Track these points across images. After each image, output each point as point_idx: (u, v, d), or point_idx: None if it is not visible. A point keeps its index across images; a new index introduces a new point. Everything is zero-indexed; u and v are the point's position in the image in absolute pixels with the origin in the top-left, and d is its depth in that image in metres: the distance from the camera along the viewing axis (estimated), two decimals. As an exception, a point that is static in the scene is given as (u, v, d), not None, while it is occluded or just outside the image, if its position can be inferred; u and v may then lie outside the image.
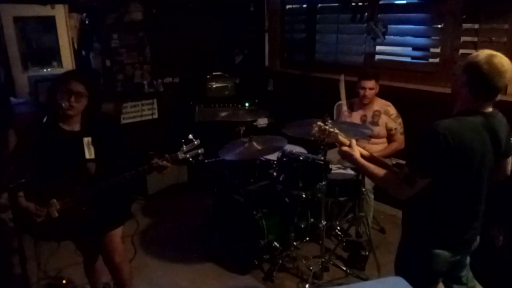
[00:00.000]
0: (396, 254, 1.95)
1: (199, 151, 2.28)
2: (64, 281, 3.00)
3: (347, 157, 1.95)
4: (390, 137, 3.45)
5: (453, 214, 1.76)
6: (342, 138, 2.01)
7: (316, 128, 2.08)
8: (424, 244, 1.80)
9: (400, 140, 3.42)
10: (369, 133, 2.96)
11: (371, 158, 1.96)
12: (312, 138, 2.17)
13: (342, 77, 3.41)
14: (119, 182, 2.19)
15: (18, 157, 2.18)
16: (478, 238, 1.88)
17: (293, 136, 2.92)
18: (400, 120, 3.43)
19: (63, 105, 2.10)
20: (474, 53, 1.73)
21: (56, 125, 2.20)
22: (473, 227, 1.82)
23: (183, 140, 2.26)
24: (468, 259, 1.94)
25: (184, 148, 2.24)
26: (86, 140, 2.21)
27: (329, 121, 2.38)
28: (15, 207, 2.08)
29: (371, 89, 3.37)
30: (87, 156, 2.21)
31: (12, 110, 3.05)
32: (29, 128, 2.22)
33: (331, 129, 2.04)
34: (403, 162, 2.00)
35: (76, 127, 2.24)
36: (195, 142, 2.26)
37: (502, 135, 1.74)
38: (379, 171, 1.81)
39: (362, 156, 1.94)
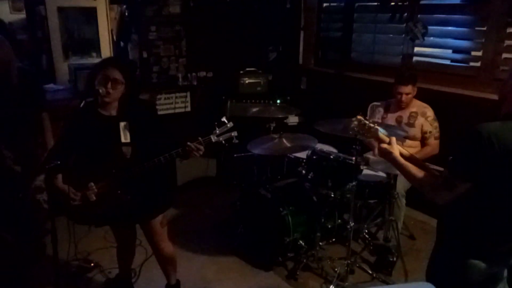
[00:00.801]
0: (429, 261, 1.88)
1: (233, 133, 2.25)
2: (92, 264, 3.09)
3: (386, 155, 1.87)
4: (423, 140, 3.36)
5: (492, 223, 1.67)
6: (382, 135, 1.92)
7: (356, 122, 1.99)
8: (459, 253, 1.72)
9: (434, 145, 3.33)
10: (404, 135, 2.88)
11: (410, 158, 1.87)
12: (350, 133, 2.08)
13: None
14: (153, 165, 2.19)
15: (57, 141, 2.24)
16: None
17: (324, 135, 2.89)
18: (436, 124, 3.33)
19: (100, 91, 2.14)
20: None
21: (95, 110, 2.25)
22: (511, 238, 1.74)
23: (216, 123, 2.24)
24: (505, 272, 1.86)
25: (217, 131, 2.22)
26: (122, 124, 2.24)
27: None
28: (51, 189, 2.15)
29: (407, 94, 3.29)
30: (123, 140, 2.23)
31: (45, 95, 3.14)
32: (69, 113, 2.27)
33: (372, 124, 1.97)
34: (439, 168, 1.92)
35: (113, 112, 2.28)
36: (228, 125, 2.23)
37: None
38: (418, 172, 1.73)
39: (401, 155, 1.86)
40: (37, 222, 3.15)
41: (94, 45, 4.20)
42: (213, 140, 2.22)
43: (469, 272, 1.70)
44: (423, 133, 3.33)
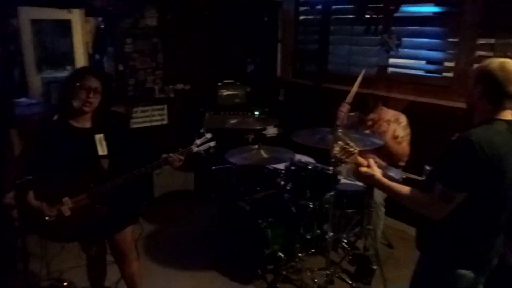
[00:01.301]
0: (414, 272, 1.85)
1: (211, 144, 2.34)
2: (65, 284, 2.98)
3: (367, 178, 1.83)
4: (396, 142, 3.36)
5: (481, 230, 1.67)
6: (360, 158, 1.91)
7: (337, 148, 2.00)
8: (448, 264, 1.71)
9: (405, 148, 3.29)
10: (381, 144, 2.89)
11: (393, 179, 1.85)
12: (332, 160, 2.09)
13: (362, 72, 3.36)
14: (134, 176, 2.20)
15: (25, 156, 2.18)
16: (497, 256, 1.80)
17: (302, 145, 2.89)
18: (408, 130, 3.35)
19: (76, 103, 2.11)
20: (483, 62, 1.68)
21: (67, 122, 2.20)
22: (496, 244, 1.73)
23: (195, 134, 2.35)
24: (483, 279, 1.86)
25: (197, 142, 2.31)
26: (98, 137, 2.21)
27: (341, 130, 2.34)
28: (21, 205, 2.08)
29: (374, 118, 3.34)
30: (100, 152, 2.20)
31: (14, 110, 3.07)
32: (39, 126, 2.22)
33: (352, 148, 1.96)
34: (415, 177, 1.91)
35: (87, 124, 2.24)
36: (207, 136, 2.34)
37: None
38: (408, 191, 1.69)
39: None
40: (8, 240, 3.04)
41: (68, 58, 4.12)
42: (194, 151, 2.30)
43: (459, 283, 1.69)
44: (395, 137, 3.34)
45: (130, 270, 2.54)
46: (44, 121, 2.20)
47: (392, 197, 1.81)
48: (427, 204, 1.64)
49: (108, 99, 2.27)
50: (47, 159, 2.16)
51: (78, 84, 2.13)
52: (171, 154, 2.23)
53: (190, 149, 2.28)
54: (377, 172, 1.82)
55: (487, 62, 1.66)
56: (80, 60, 4.05)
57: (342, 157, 1.96)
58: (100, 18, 4.16)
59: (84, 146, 2.19)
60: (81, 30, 4.06)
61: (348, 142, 1.99)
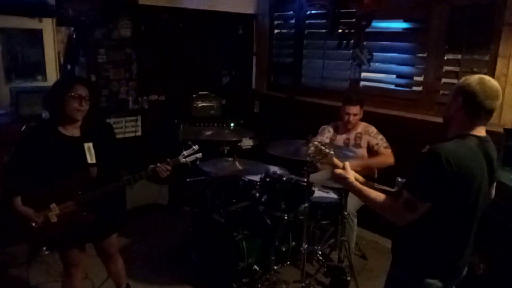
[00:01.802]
0: (386, 281, 1.89)
1: (198, 155, 2.41)
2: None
3: (341, 180, 1.89)
4: (375, 153, 3.44)
5: (449, 241, 1.71)
6: (336, 160, 1.97)
7: (313, 148, 2.05)
8: (416, 273, 1.75)
9: (386, 153, 3.39)
10: (352, 156, 2.96)
11: (364, 184, 1.91)
12: (307, 159, 2.15)
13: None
14: (122, 185, 2.27)
15: (9, 165, 2.26)
16: (467, 266, 1.85)
17: (276, 157, 2.90)
18: (381, 136, 3.45)
19: (70, 110, 2.17)
20: (464, 77, 1.74)
21: (56, 131, 2.24)
22: (465, 254, 1.78)
23: (183, 146, 2.46)
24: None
25: (185, 153, 2.38)
26: (87, 145, 2.27)
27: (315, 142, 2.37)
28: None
29: (355, 115, 3.40)
30: (89, 161, 2.26)
31: None
32: (27, 134, 2.32)
33: (327, 150, 2.01)
34: (387, 188, 1.96)
35: (76, 133, 2.29)
36: (194, 147, 2.41)
37: (495, 161, 1.73)
38: (376, 195, 1.75)
39: (356, 180, 1.89)
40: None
41: (39, 68, 4.03)
42: (181, 161, 2.37)
43: None
44: (371, 147, 3.43)
45: (116, 267, 2.64)
46: (31, 129, 2.29)
47: (362, 200, 1.86)
48: (392, 210, 1.70)
49: (95, 107, 2.32)
50: (36, 166, 2.21)
51: (69, 93, 2.18)
52: (159, 164, 2.28)
53: (177, 160, 2.35)
54: (351, 175, 1.88)
55: (466, 77, 1.72)
56: (52, 70, 3.96)
57: (317, 157, 2.02)
58: (72, 28, 4.09)
59: (73, 154, 2.23)
60: (52, 40, 3.98)
61: (324, 144, 2.03)
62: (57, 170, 2.20)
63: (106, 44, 4.09)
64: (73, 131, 2.28)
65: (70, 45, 4.22)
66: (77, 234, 2.29)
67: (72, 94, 2.18)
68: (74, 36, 4.12)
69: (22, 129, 2.14)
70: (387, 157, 3.39)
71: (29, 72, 3.98)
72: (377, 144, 3.42)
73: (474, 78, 1.68)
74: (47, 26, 3.92)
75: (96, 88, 3.96)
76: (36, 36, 3.93)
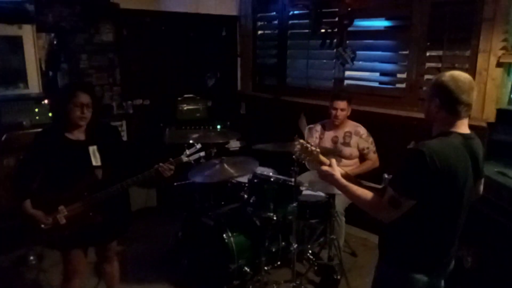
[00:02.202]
0: (373, 277, 1.90)
1: (201, 154, 2.46)
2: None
3: (327, 177, 1.90)
4: (363, 157, 3.50)
5: (434, 237, 1.73)
6: (322, 157, 1.97)
7: (299, 146, 2.04)
8: (402, 268, 1.77)
9: (374, 159, 3.49)
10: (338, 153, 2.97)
11: (351, 180, 1.92)
12: (293, 157, 2.14)
13: (302, 116, 3.48)
14: (126, 186, 2.31)
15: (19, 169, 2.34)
16: (453, 260, 1.87)
17: (264, 157, 2.91)
18: (371, 139, 3.48)
19: (75, 116, 2.25)
20: (436, 75, 1.76)
21: (62, 135, 2.31)
22: (451, 250, 1.80)
23: (185, 145, 2.49)
24: (442, 283, 1.93)
25: (187, 152, 2.43)
26: (92, 148, 2.33)
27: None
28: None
29: (342, 110, 3.43)
30: (94, 163, 2.32)
31: None
32: (35, 140, 2.33)
33: (313, 148, 2.01)
34: (377, 186, 1.98)
35: (81, 136, 2.35)
36: (197, 146, 2.45)
37: (480, 157, 1.76)
38: (362, 192, 1.77)
39: (342, 176, 1.90)
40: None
41: (20, 76, 3.96)
42: (184, 160, 2.41)
43: (412, 286, 1.74)
44: (361, 150, 3.47)
45: (111, 268, 2.67)
46: (39, 135, 2.34)
47: (347, 197, 1.88)
48: (377, 207, 1.72)
49: (98, 112, 2.38)
50: (44, 169, 2.30)
51: (72, 101, 2.26)
52: (161, 164, 2.32)
53: (180, 159, 2.39)
54: (337, 172, 1.89)
55: (438, 75, 1.74)
56: (33, 77, 3.90)
57: (303, 155, 2.02)
58: (53, 34, 4.04)
59: (79, 157, 2.30)
60: (33, 46, 3.92)
61: (309, 142, 2.04)
62: (64, 173, 2.28)
63: (88, 49, 4.04)
64: (79, 135, 2.35)
65: (51, 51, 4.16)
66: (84, 236, 2.33)
67: (75, 101, 2.25)
68: (55, 42, 4.06)
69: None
70: (374, 162, 3.49)
71: (10, 79, 3.91)
72: (367, 148, 3.46)
73: (445, 76, 1.69)
74: (27, 33, 3.86)
75: (98, 93, 4.03)
76: (16, 43, 3.86)
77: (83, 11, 3.92)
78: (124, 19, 4.18)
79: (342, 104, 3.42)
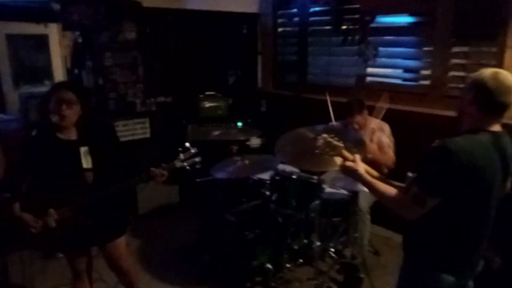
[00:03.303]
0: (398, 277, 1.88)
1: (196, 159, 2.28)
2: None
3: (350, 172, 1.88)
4: (380, 150, 3.42)
5: (461, 236, 1.70)
6: (346, 152, 1.95)
7: (322, 141, 2.02)
8: (428, 268, 1.74)
9: (390, 155, 3.36)
10: (360, 138, 2.91)
11: (376, 178, 1.89)
12: (316, 151, 2.11)
13: (327, 96, 3.41)
14: (116, 190, 2.20)
15: (7, 171, 2.19)
16: (482, 261, 1.84)
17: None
18: (392, 139, 3.43)
19: (54, 118, 2.10)
20: (478, 71, 1.70)
21: (53, 135, 2.19)
22: (479, 250, 1.77)
23: (180, 149, 2.26)
24: (471, 284, 1.89)
25: (182, 157, 2.25)
26: (83, 149, 2.21)
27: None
28: (5, 218, 2.09)
29: (358, 122, 3.39)
30: (84, 165, 2.20)
31: None
32: (24, 140, 2.22)
33: (337, 143, 1.99)
34: (397, 183, 1.95)
35: (73, 136, 2.24)
36: (192, 151, 2.27)
37: (509, 155, 1.71)
38: (386, 189, 1.74)
39: (367, 172, 1.88)
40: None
41: (46, 73, 4.06)
42: (177, 166, 2.24)
43: (439, 286, 1.72)
44: (379, 142, 3.40)
45: (127, 280, 2.55)
46: (27, 136, 2.20)
47: (371, 193, 1.85)
48: (401, 204, 1.69)
49: (88, 111, 2.25)
50: (33, 172, 2.18)
51: (53, 98, 2.14)
52: (152, 169, 2.20)
53: (173, 164, 2.24)
54: (361, 168, 1.86)
55: (480, 71, 1.69)
56: (58, 74, 4.00)
57: (326, 149, 1.99)
58: (78, 33, 4.12)
59: (68, 159, 2.19)
60: (58, 44, 4.01)
61: (333, 136, 2.00)
62: (54, 175, 2.17)
63: (112, 47, 4.10)
64: (70, 135, 2.23)
65: (76, 49, 4.24)
66: (78, 238, 2.25)
67: (54, 98, 2.13)
68: (80, 40, 4.14)
69: (33, 133, 2.12)
70: (390, 158, 3.35)
71: (37, 77, 4.02)
72: (387, 143, 3.39)
73: (488, 73, 1.64)
74: (53, 31, 3.95)
75: (87, 91, 3.91)
76: (42, 42, 3.97)
77: (107, 10, 3.97)
78: (146, 18, 4.23)
79: (357, 118, 3.36)
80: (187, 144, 2.28)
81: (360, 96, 3.56)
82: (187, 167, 2.27)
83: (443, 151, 1.58)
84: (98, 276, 2.63)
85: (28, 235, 2.14)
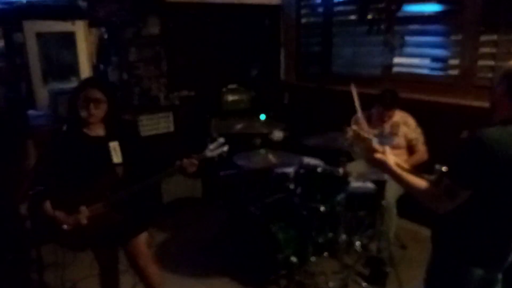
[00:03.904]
0: (426, 270, 1.85)
1: (224, 148, 2.33)
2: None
3: (380, 164, 1.84)
4: (411, 148, 3.36)
5: (492, 230, 1.66)
6: (376, 145, 1.91)
7: (351, 133, 2.00)
8: (458, 261, 1.71)
9: (422, 150, 3.33)
10: (394, 143, 2.88)
11: (405, 170, 1.84)
12: (344, 144, 2.09)
13: (353, 87, 3.35)
14: (149, 184, 2.21)
15: (38, 167, 2.19)
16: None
17: (310, 148, 2.89)
18: (419, 130, 3.35)
19: (83, 114, 2.13)
20: (509, 61, 1.66)
21: (80, 132, 2.22)
22: (510, 243, 1.72)
23: (208, 139, 2.34)
24: (500, 275, 1.85)
25: (210, 147, 2.30)
26: (112, 144, 2.23)
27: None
28: (38, 215, 2.10)
29: (392, 113, 3.33)
30: (115, 160, 2.22)
31: (29, 122, 3.14)
32: (52, 137, 2.23)
33: (366, 135, 1.97)
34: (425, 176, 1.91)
35: (101, 132, 2.26)
36: (221, 140, 2.33)
37: None
38: (416, 181, 1.70)
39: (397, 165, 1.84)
40: (22, 251, 3.05)
41: (73, 70, 4.14)
42: (208, 156, 2.29)
43: (467, 279, 1.69)
44: (409, 141, 3.35)
45: (148, 278, 2.51)
46: (56, 132, 2.21)
47: (401, 186, 1.82)
48: (432, 197, 1.65)
49: (115, 108, 2.28)
50: (63, 168, 2.19)
51: (80, 97, 2.16)
52: (184, 160, 2.22)
53: (203, 154, 2.28)
54: (390, 160, 1.82)
55: None
56: (85, 71, 4.07)
57: (355, 141, 1.96)
58: (104, 29, 4.18)
59: (98, 154, 2.20)
60: (85, 41, 4.08)
61: (363, 128, 1.98)
62: (84, 172, 2.18)
63: (136, 43, 4.15)
64: (98, 131, 2.25)
65: (102, 45, 4.31)
66: (108, 235, 2.26)
67: (83, 96, 2.14)
68: (106, 37, 4.21)
69: (64, 128, 2.14)
70: (423, 153, 3.33)
71: (64, 74, 4.11)
72: (416, 139, 3.32)
73: None
74: (80, 28, 4.02)
75: (114, 87, 3.97)
76: (69, 39, 4.04)
77: (132, 6, 4.02)
78: (170, 12, 4.25)
79: (389, 113, 3.31)
80: (215, 135, 2.31)
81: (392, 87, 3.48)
82: (216, 157, 2.31)
83: (476, 142, 1.54)
84: (125, 268, 2.68)
85: (59, 233, 2.16)
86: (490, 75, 3.37)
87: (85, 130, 2.23)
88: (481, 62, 3.45)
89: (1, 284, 2.87)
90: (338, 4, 4.44)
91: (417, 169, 1.90)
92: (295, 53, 5.02)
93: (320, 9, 4.69)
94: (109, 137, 2.25)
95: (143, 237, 2.43)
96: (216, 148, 2.31)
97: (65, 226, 2.13)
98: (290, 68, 5.10)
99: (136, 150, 2.31)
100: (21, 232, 2.92)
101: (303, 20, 4.92)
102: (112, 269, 2.55)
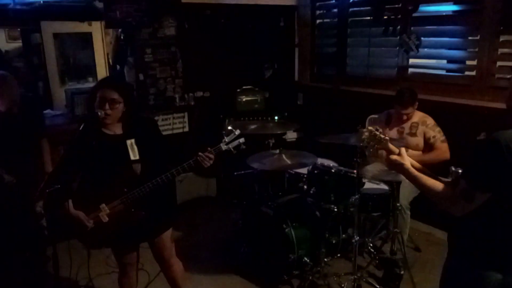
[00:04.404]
0: (442, 273, 1.82)
1: (240, 140, 2.29)
2: (94, 291, 3.02)
3: (396, 166, 1.83)
4: (430, 147, 3.30)
5: (508, 233, 1.62)
6: (391, 146, 1.90)
7: (367, 134, 1.98)
8: (474, 265, 1.68)
9: (443, 148, 3.22)
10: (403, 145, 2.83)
11: (422, 171, 1.83)
12: (360, 144, 2.07)
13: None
14: (166, 180, 2.21)
15: (58, 165, 2.22)
16: None
17: (324, 149, 2.88)
18: (438, 128, 3.27)
19: (100, 114, 2.15)
20: None
21: (99, 130, 2.24)
22: None
23: (223, 132, 2.23)
24: None
25: (226, 139, 2.27)
26: (129, 142, 2.25)
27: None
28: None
29: (409, 113, 3.28)
30: (132, 157, 2.24)
31: (44, 121, 3.22)
32: (70, 136, 2.25)
33: (382, 135, 1.95)
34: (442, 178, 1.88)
35: (118, 131, 2.28)
36: (236, 132, 2.28)
37: None
38: (433, 183, 1.68)
39: (413, 167, 1.82)
40: (38, 248, 3.11)
41: (90, 70, 4.21)
42: (223, 149, 2.26)
43: (485, 283, 1.66)
44: (427, 139, 3.27)
45: (172, 274, 2.56)
46: (75, 132, 2.23)
47: (417, 188, 1.80)
48: (449, 199, 1.63)
49: (132, 107, 2.29)
50: (80, 167, 2.23)
51: (97, 97, 2.17)
52: (200, 153, 2.21)
53: (219, 147, 2.25)
54: (407, 162, 1.81)
55: None
56: (101, 71, 4.13)
57: (371, 143, 1.95)
58: (120, 30, 4.24)
59: (116, 152, 2.22)
60: (101, 42, 4.14)
61: (378, 129, 1.96)
62: (103, 170, 2.20)
63: (152, 44, 4.19)
64: (115, 129, 2.27)
65: (118, 46, 4.38)
66: (131, 233, 2.27)
67: (98, 97, 2.16)
68: (122, 37, 4.27)
69: (81, 127, 2.17)
70: (443, 152, 3.21)
71: (81, 74, 4.18)
72: (434, 137, 3.26)
73: None
74: (96, 29, 4.08)
75: (130, 87, 3.85)
76: (86, 39, 4.11)
77: (148, 6, 4.07)
78: (185, 13, 4.29)
79: (408, 110, 3.24)
80: (230, 127, 2.30)
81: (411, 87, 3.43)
82: (233, 150, 2.28)
83: (494, 144, 1.51)
84: (140, 266, 2.71)
85: (83, 232, 2.19)
86: (508, 76, 3.30)
87: (103, 129, 2.25)
88: (500, 63, 3.39)
89: (18, 280, 2.93)
90: (354, 4, 4.41)
91: (435, 169, 1.88)
92: (309, 54, 5.01)
93: (335, 10, 4.67)
94: (126, 135, 2.27)
95: (167, 236, 2.47)
96: (231, 141, 2.27)
97: (89, 224, 2.16)
98: (304, 68, 5.09)
99: (153, 146, 2.32)
100: (38, 230, 2.97)
101: (318, 21, 4.91)
102: (132, 266, 2.55)
